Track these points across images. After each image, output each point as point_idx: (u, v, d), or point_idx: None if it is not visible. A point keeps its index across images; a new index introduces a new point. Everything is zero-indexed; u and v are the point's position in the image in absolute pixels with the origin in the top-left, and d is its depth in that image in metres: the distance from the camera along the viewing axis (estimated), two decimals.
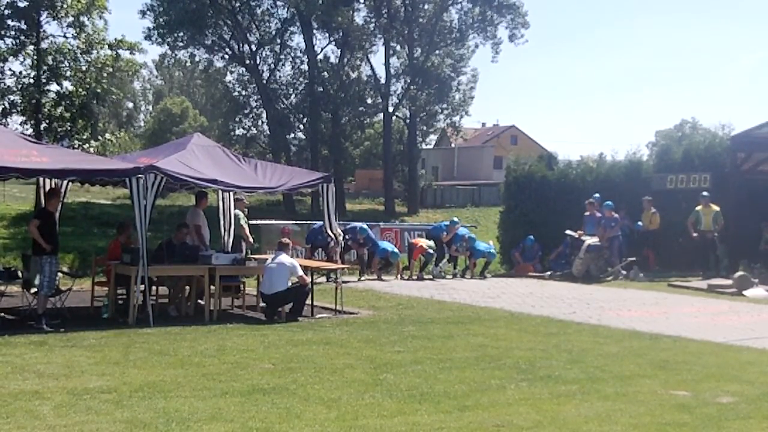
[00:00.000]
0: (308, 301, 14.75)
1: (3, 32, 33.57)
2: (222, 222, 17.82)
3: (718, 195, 21.99)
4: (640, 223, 22.98)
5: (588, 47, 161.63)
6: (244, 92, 59.99)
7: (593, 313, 15.60)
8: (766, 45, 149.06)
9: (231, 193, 17.46)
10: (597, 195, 22.70)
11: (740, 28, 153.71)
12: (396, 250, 22.85)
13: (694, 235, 21.81)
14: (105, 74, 34.65)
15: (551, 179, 25.27)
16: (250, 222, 19.61)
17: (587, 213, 22.30)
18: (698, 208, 21.91)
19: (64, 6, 33.23)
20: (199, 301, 15.10)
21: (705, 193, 21.97)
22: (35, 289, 13.42)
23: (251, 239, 18.79)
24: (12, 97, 34.07)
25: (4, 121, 33.04)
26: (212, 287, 14.53)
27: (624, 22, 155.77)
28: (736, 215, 21.97)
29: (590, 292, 19.29)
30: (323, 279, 19.16)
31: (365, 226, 22.49)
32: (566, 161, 28.79)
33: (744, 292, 18.58)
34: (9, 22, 33.73)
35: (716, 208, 21.70)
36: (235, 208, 18.19)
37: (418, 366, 10.16)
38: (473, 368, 10.14)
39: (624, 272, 21.80)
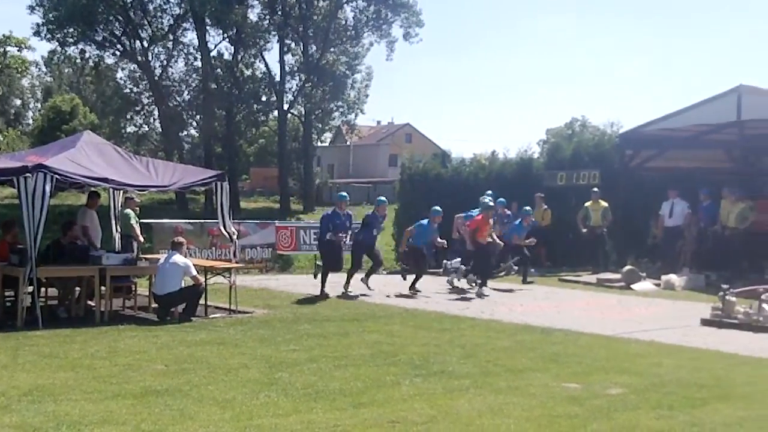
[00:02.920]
0: (202, 301, 14.58)
1: None
2: (113, 222, 17.49)
3: (607, 191, 22.50)
4: (534, 220, 23.32)
5: (482, 47, 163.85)
6: (135, 89, 59.00)
7: (486, 308, 15.80)
8: (653, 46, 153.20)
9: (121, 192, 17.14)
10: (490, 192, 22.99)
11: (629, 30, 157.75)
12: None
13: (584, 230, 22.28)
14: None
15: (445, 177, 25.51)
16: (143, 221, 19.29)
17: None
18: (588, 204, 22.39)
19: None
20: (90, 302, 14.77)
21: (595, 189, 22.45)
22: None
23: (141, 238, 18.46)
24: None
25: None
26: (103, 288, 14.23)
27: (517, 22, 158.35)
28: (625, 211, 22.53)
29: None
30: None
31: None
32: (460, 159, 29.15)
33: (632, 286, 19.06)
34: None
35: (605, 204, 22.20)
36: (126, 207, 17.87)
37: (313, 364, 10.13)
38: (368, 365, 10.16)
39: (516, 268, 22.13)
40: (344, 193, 19.03)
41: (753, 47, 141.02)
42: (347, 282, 17.75)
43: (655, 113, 25.35)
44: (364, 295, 17.44)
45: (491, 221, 18.55)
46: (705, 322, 13.95)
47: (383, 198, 19.42)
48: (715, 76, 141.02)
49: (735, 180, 22.18)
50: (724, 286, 14.84)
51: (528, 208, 21.13)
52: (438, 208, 18.78)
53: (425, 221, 18.77)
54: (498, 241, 18.75)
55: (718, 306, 14.21)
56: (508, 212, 22.50)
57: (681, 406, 8.34)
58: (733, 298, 14.20)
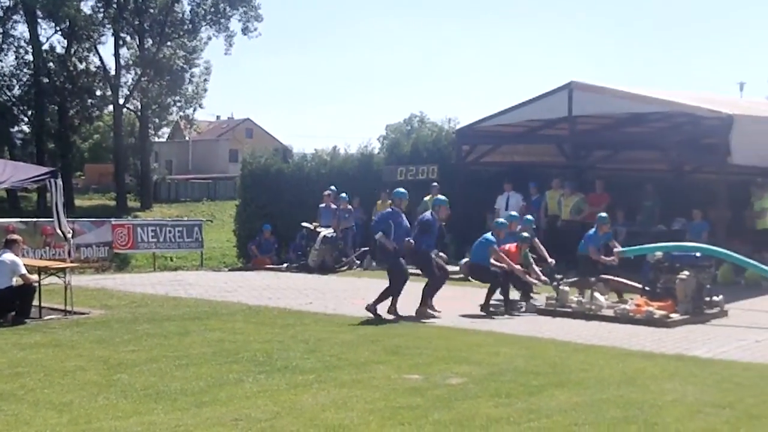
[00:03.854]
0: (36, 303, 14.07)
1: None
2: None
3: (446, 186, 22.90)
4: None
5: (323, 43, 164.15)
6: None
7: (329, 302, 15.85)
8: (489, 43, 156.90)
9: None
10: (333, 187, 23.09)
11: (465, 28, 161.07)
12: None
13: None
14: None
15: (287, 172, 25.45)
16: None
17: (323, 205, 22.63)
18: (427, 198, 22.72)
19: None
20: None
21: (434, 184, 22.82)
22: None
23: None
24: None
25: None
26: None
27: (358, 19, 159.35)
28: (462, 205, 22.97)
29: (326, 282, 19.60)
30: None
31: None
32: (301, 154, 29.14)
33: (470, 278, 19.43)
34: None
35: (444, 198, 22.55)
36: None
37: (153, 364, 9.92)
38: (210, 363, 10.03)
39: (358, 262, 22.30)
40: (403, 190, 15.57)
41: (583, 44, 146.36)
42: (430, 300, 14.66)
43: (491, 109, 25.98)
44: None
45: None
46: (540, 312, 14.42)
47: (443, 197, 15.99)
48: (548, 73, 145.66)
49: (568, 173, 22.99)
50: (558, 276, 15.38)
51: (344, 194, 21.56)
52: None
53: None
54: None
55: (553, 296, 14.73)
56: (350, 207, 22.64)
57: (519, 394, 8.58)
58: (567, 288, 14.72)
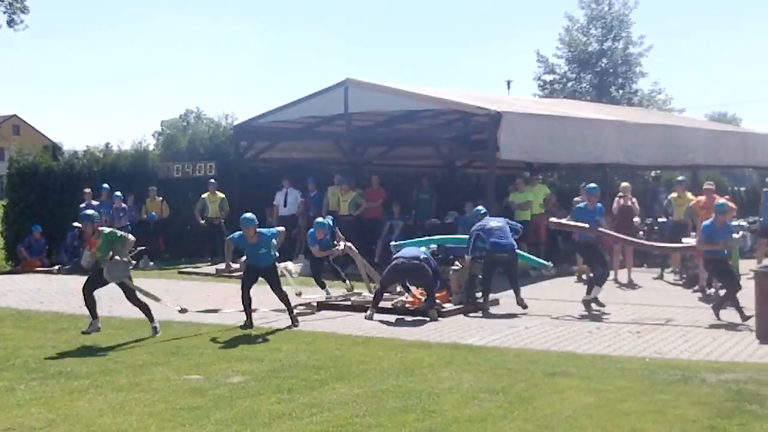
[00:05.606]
0: None
1: None
2: None
3: (224, 183, 22.71)
4: (154, 213, 22.98)
5: (94, 37, 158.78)
6: None
7: (104, 304, 15.29)
8: (266, 40, 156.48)
9: None
10: (106, 185, 22.40)
11: (242, 22, 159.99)
12: None
13: (202, 222, 22.34)
14: None
15: (57, 170, 24.41)
16: None
17: (83, 204, 21.81)
18: (205, 195, 22.47)
19: None
20: None
21: (212, 181, 22.57)
22: None
23: None
24: None
25: None
26: None
27: (131, 15, 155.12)
28: (242, 201, 22.84)
29: None
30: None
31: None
32: (72, 151, 28.00)
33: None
34: None
35: (222, 195, 22.40)
36: None
37: None
38: None
39: (134, 262, 21.67)
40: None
41: (358, 42, 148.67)
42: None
43: (269, 105, 25.96)
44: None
45: None
46: (321, 306, 14.57)
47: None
48: (326, 70, 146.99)
49: (346, 169, 23.31)
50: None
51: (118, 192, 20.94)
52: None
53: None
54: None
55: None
56: (124, 206, 22.04)
57: (300, 389, 8.65)
58: (348, 282, 14.94)
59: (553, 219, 15.82)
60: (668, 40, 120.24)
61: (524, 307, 13.93)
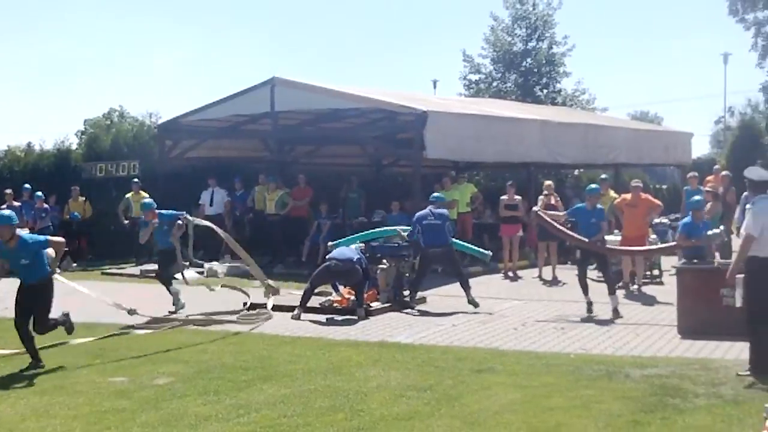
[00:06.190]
0: None
1: None
2: None
3: (148, 182, 22.42)
4: (76, 213, 22.61)
5: (13, 34, 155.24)
6: None
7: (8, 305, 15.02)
8: (189, 38, 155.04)
9: None
10: (27, 186, 22.00)
11: (165, 21, 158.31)
12: None
13: (126, 222, 22.04)
14: None
15: None
16: None
17: (4, 205, 21.36)
18: (129, 195, 22.17)
19: None
20: None
21: (135, 180, 22.28)
22: None
23: None
24: None
25: None
26: None
27: (51, 10, 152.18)
28: (167, 201, 22.58)
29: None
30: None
31: None
32: None
33: (176, 275, 19.13)
34: None
35: (146, 195, 22.11)
36: None
37: None
38: None
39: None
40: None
41: (285, 41, 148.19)
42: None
43: (195, 104, 25.67)
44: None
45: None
46: (251, 307, 14.41)
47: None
48: (252, 68, 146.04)
49: (273, 168, 23.19)
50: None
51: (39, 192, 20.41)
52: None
53: None
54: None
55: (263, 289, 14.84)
56: (46, 206, 21.65)
57: (227, 390, 8.60)
58: (273, 284, 14.87)
59: (536, 209, 15.05)
60: (591, 40, 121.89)
61: (475, 305, 13.90)
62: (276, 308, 14.09)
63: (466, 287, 14.24)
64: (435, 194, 15.83)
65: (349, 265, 13.59)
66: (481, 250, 16.35)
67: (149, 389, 8.70)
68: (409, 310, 14.02)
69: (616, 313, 13.12)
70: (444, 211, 14.97)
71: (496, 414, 7.59)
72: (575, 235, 13.97)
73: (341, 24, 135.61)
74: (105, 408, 7.93)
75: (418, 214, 14.81)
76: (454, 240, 15.26)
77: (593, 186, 15.12)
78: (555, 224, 14.16)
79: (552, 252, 18.14)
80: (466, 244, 16.52)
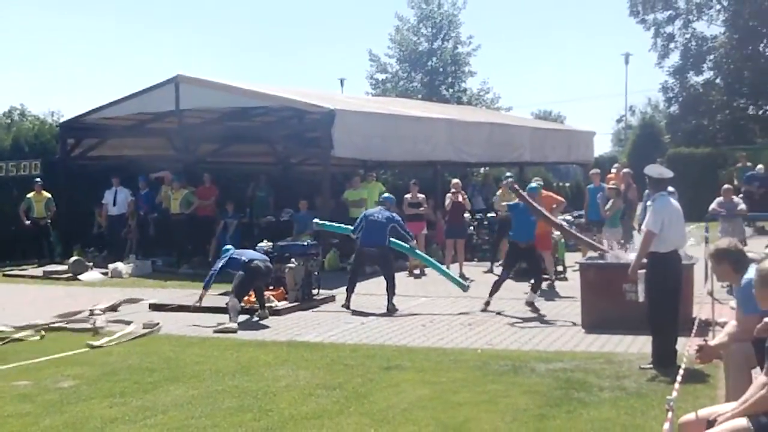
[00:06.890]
0: None
1: None
2: None
3: (50, 181, 21.96)
4: None
5: None
6: None
7: None
8: (91, 35, 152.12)
9: None
10: None
11: (66, 17, 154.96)
12: None
13: (27, 222, 21.57)
14: None
15: None
16: None
17: None
18: (30, 195, 21.69)
19: None
20: None
21: (37, 180, 21.81)
22: None
23: None
24: None
25: None
26: None
27: None
28: (69, 200, 22.19)
29: None
30: None
31: None
32: None
33: (79, 277, 18.85)
34: None
35: (48, 194, 21.68)
36: None
37: None
38: None
39: None
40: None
41: (190, 39, 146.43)
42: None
43: (97, 102, 25.19)
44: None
45: None
46: (154, 307, 14.26)
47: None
48: (159, 66, 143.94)
49: (179, 167, 22.95)
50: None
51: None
52: None
53: None
54: None
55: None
56: None
57: (133, 392, 8.49)
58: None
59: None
60: (496, 40, 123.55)
61: (394, 311, 13.66)
62: (154, 307, 14.02)
63: (390, 293, 13.98)
64: (385, 195, 15.84)
65: (269, 267, 13.42)
66: (461, 281, 15.42)
67: (53, 392, 8.54)
68: (320, 308, 14.02)
69: (533, 307, 13.42)
70: (392, 214, 14.68)
71: (405, 411, 7.65)
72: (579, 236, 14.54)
73: (249, 22, 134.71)
74: (8, 412, 7.77)
75: (366, 211, 14.84)
76: (436, 264, 15.48)
77: (533, 185, 15.35)
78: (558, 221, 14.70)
79: (459, 249, 18.32)
80: (446, 270, 15.96)
